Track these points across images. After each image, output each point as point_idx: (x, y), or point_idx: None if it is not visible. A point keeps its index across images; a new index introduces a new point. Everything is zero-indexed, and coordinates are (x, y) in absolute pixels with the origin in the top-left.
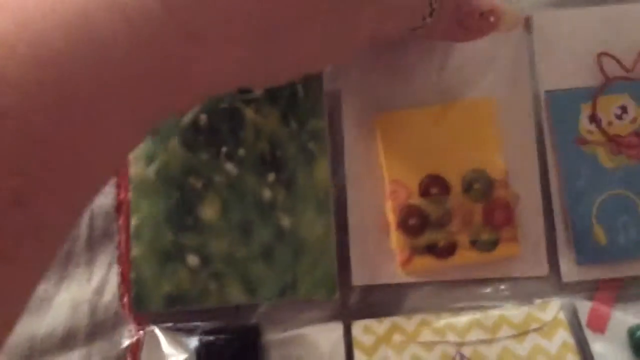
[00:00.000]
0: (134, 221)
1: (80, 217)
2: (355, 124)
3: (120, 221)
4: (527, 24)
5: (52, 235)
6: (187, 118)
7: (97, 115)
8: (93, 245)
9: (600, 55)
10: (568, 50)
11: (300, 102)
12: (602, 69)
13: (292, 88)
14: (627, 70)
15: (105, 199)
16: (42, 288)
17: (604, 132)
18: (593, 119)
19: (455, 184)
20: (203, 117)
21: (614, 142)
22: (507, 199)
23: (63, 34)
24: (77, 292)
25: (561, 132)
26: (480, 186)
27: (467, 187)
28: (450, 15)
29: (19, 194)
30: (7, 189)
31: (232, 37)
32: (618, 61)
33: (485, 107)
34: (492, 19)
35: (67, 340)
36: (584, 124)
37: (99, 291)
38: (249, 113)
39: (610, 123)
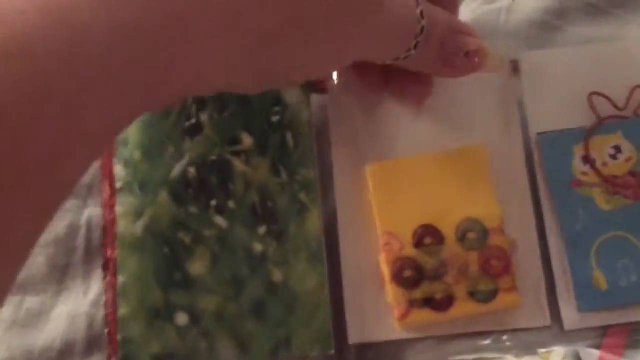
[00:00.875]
0: (121, 279)
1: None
2: (346, 174)
3: (107, 279)
4: (515, 67)
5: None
6: (176, 171)
7: (73, 109)
8: (90, 258)
9: (591, 94)
10: (558, 91)
11: (290, 152)
12: (593, 109)
13: (282, 138)
14: (619, 109)
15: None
16: (39, 301)
17: (599, 173)
18: (587, 160)
19: (450, 233)
20: (192, 170)
21: (610, 183)
22: (504, 247)
23: (43, 20)
24: (74, 305)
25: (555, 175)
26: (475, 235)
27: (462, 237)
28: (435, 51)
29: None
30: None
31: (217, 33)
32: (609, 100)
33: (477, 155)
34: (476, 59)
35: (65, 353)
36: (578, 165)
37: (97, 304)
38: (239, 165)
39: (604, 163)
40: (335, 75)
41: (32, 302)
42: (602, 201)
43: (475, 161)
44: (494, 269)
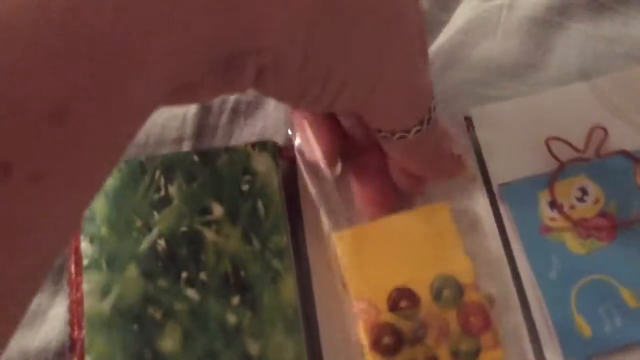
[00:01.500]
0: None
1: (120, 151)
2: (318, 240)
3: None
4: (468, 124)
5: (90, 156)
6: (145, 244)
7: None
8: None
9: (548, 139)
10: (514, 141)
11: (261, 220)
12: (553, 154)
13: (252, 206)
14: (580, 152)
15: None
16: (36, 302)
17: (567, 217)
18: (554, 205)
19: (425, 293)
20: (161, 243)
21: (581, 227)
22: (481, 302)
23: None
24: None
25: (523, 224)
26: (451, 292)
27: (437, 295)
28: (432, 144)
29: (59, 106)
30: (47, 99)
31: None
32: (568, 143)
33: (441, 213)
34: (459, 164)
35: (61, 354)
36: (546, 211)
37: None
38: (210, 235)
39: (572, 207)
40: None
41: None
42: (575, 245)
43: (440, 219)
44: (474, 326)
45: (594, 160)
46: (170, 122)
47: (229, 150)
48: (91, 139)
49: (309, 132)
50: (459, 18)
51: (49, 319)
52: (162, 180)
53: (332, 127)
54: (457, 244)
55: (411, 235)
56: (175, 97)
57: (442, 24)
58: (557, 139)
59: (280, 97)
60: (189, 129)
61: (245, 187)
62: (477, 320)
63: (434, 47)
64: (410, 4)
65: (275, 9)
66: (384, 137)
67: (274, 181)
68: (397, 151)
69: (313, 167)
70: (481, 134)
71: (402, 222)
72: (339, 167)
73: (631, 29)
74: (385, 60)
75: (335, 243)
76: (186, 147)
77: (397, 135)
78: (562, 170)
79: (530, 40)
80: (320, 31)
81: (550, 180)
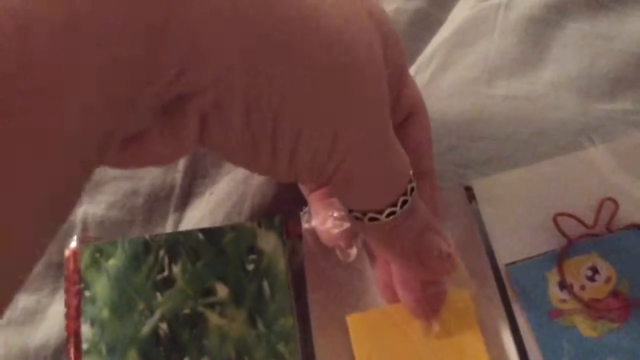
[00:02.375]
0: None
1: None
2: (325, 323)
3: None
4: (470, 195)
5: None
6: (147, 328)
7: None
8: None
9: (556, 216)
10: (520, 216)
11: (267, 302)
12: (561, 231)
13: (258, 286)
14: (589, 227)
15: (97, 207)
16: (35, 299)
17: (578, 298)
18: (563, 285)
19: None
20: (163, 327)
21: (593, 308)
22: None
23: None
24: None
25: (532, 307)
26: None
27: None
28: (412, 237)
29: None
30: None
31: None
32: (577, 219)
33: (461, 301)
34: (447, 264)
35: (61, 352)
36: (555, 292)
37: None
38: (213, 317)
39: (582, 287)
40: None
41: (27, 300)
42: (586, 328)
43: (460, 308)
44: None
45: (604, 236)
46: None
47: (234, 228)
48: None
49: (323, 214)
50: (457, 17)
51: (49, 317)
52: (166, 260)
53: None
54: (476, 339)
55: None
56: (129, 153)
57: (440, 23)
58: (565, 214)
59: (234, 159)
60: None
61: (250, 267)
62: None
63: (431, 46)
64: (378, 66)
65: (206, 44)
66: (356, 219)
67: (281, 260)
68: (372, 238)
69: (322, 247)
70: (483, 208)
71: None
72: (354, 251)
73: (628, 26)
74: (345, 116)
75: (349, 327)
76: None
77: (368, 216)
78: (571, 247)
79: (527, 39)
80: (263, 76)
81: (559, 259)
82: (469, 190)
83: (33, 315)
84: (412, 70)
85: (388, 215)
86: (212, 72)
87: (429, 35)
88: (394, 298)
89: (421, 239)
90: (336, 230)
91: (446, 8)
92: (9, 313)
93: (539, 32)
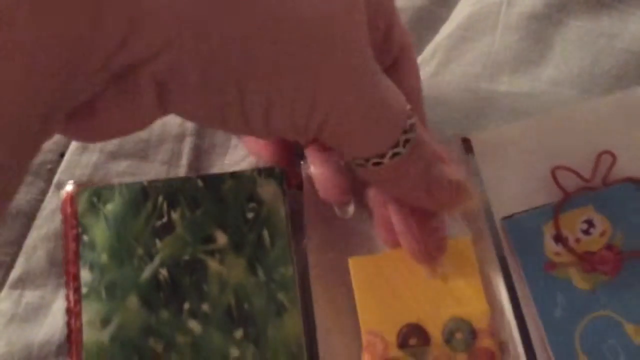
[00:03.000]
0: None
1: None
2: (323, 271)
3: None
4: (467, 147)
5: None
6: (147, 273)
7: None
8: None
9: (555, 169)
10: (517, 169)
11: (267, 250)
12: (558, 184)
13: (258, 235)
14: (587, 181)
15: None
16: (39, 295)
17: (573, 251)
18: (559, 238)
19: (436, 333)
20: (163, 272)
21: (586, 261)
22: (492, 350)
23: None
24: None
25: (528, 261)
26: (463, 336)
27: (449, 337)
28: (419, 171)
29: None
30: None
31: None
32: (575, 172)
33: (463, 248)
34: (460, 194)
35: (64, 347)
36: (550, 246)
37: None
38: (213, 264)
39: (577, 240)
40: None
41: (31, 296)
42: (579, 280)
43: (461, 255)
44: None
45: (602, 190)
46: (172, 118)
47: (234, 175)
48: None
49: (320, 170)
50: (459, 14)
51: (53, 313)
52: (165, 207)
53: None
54: (476, 285)
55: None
56: (88, 123)
57: (442, 20)
58: (563, 167)
59: (198, 120)
60: (190, 125)
61: (250, 215)
62: None
63: (434, 43)
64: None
65: (146, 9)
66: (359, 166)
67: (281, 210)
68: (378, 181)
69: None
70: (480, 161)
71: None
72: (351, 208)
73: (630, 24)
74: (318, 73)
75: (350, 270)
76: (188, 143)
77: (372, 162)
78: (567, 201)
79: (529, 36)
80: (215, 36)
81: (555, 212)
82: (466, 142)
83: (37, 311)
84: None
85: (392, 157)
86: (158, 37)
87: (432, 32)
88: (394, 243)
89: (429, 172)
90: (332, 185)
91: (449, 5)
92: (12, 308)
93: (541, 29)
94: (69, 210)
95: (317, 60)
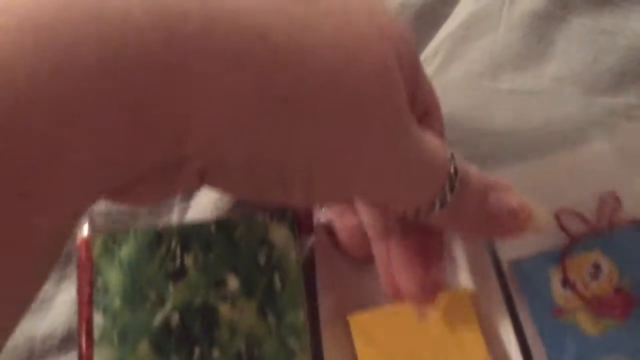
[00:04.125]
0: None
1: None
2: (333, 321)
3: None
4: None
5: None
6: (159, 318)
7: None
8: None
9: (559, 213)
10: None
11: (278, 295)
12: (563, 228)
13: (269, 279)
14: (592, 224)
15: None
16: (42, 288)
17: (581, 296)
18: (566, 283)
19: None
20: (175, 317)
21: (595, 305)
22: None
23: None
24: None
25: (535, 305)
26: None
27: None
28: (476, 204)
29: None
30: None
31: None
32: (580, 216)
33: (461, 300)
34: (522, 218)
35: (67, 340)
36: (558, 290)
37: None
38: (224, 309)
39: (585, 284)
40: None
41: None
42: (588, 326)
43: (460, 307)
44: None
45: (606, 232)
46: None
47: (246, 220)
48: None
49: (345, 224)
50: (462, 11)
51: (56, 306)
52: (178, 251)
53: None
54: (476, 336)
55: (430, 323)
56: (120, 196)
57: (445, 17)
58: (568, 211)
59: (237, 195)
60: None
61: (262, 260)
62: None
63: (436, 41)
64: (385, 80)
65: (200, 111)
66: (409, 217)
67: (292, 254)
68: (435, 224)
69: (333, 243)
70: None
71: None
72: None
73: (632, 22)
74: (358, 147)
75: (350, 326)
76: None
77: (422, 212)
78: (573, 245)
79: (532, 34)
80: (263, 132)
81: (562, 256)
82: None
83: (39, 305)
84: None
85: (442, 205)
86: (208, 137)
87: (434, 29)
88: (395, 290)
89: (486, 205)
90: (358, 240)
91: (451, 2)
92: None
93: (544, 27)
94: (84, 255)
95: (356, 135)
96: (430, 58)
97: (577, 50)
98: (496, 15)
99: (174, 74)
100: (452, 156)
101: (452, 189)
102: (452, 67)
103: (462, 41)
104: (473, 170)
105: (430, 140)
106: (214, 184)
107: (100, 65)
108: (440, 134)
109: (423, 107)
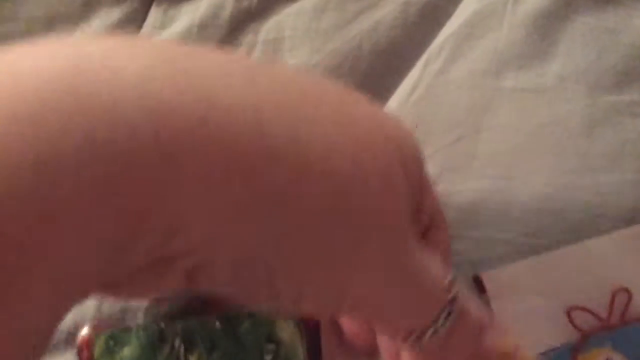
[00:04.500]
0: None
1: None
2: None
3: None
4: (479, 287)
5: None
6: None
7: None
8: None
9: (570, 309)
10: (532, 308)
11: None
12: (575, 325)
13: None
14: (604, 320)
15: None
16: None
17: None
18: None
19: None
20: None
21: None
22: None
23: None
24: None
25: None
26: None
27: None
28: (469, 337)
29: None
30: None
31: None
32: (591, 312)
33: None
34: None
35: (74, 334)
36: None
37: None
38: None
39: None
40: None
41: None
42: None
43: None
44: None
45: (618, 328)
46: None
47: (251, 315)
48: None
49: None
50: (465, 10)
51: None
52: (182, 350)
53: None
54: None
55: None
56: (110, 290)
57: (449, 15)
58: (579, 308)
59: (228, 297)
60: None
61: (269, 357)
62: None
63: (440, 39)
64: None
65: (189, 217)
66: (399, 340)
67: (299, 350)
68: (424, 355)
69: (339, 341)
70: (494, 301)
71: None
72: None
73: (636, 20)
74: (351, 265)
75: None
76: None
77: (411, 340)
78: (585, 341)
79: (535, 32)
80: (252, 236)
81: (573, 353)
82: (477, 281)
83: None
84: (420, 63)
85: (433, 334)
86: (193, 241)
87: (438, 27)
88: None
89: (479, 343)
90: (364, 335)
91: (455, 1)
92: None
93: (547, 25)
94: (85, 355)
95: (349, 253)
96: (434, 56)
97: (580, 48)
98: (500, 13)
99: (166, 171)
100: (454, 281)
101: (446, 319)
102: (456, 66)
103: (466, 40)
104: (470, 305)
105: (429, 263)
106: (199, 284)
107: (86, 158)
108: (445, 251)
109: (428, 220)
